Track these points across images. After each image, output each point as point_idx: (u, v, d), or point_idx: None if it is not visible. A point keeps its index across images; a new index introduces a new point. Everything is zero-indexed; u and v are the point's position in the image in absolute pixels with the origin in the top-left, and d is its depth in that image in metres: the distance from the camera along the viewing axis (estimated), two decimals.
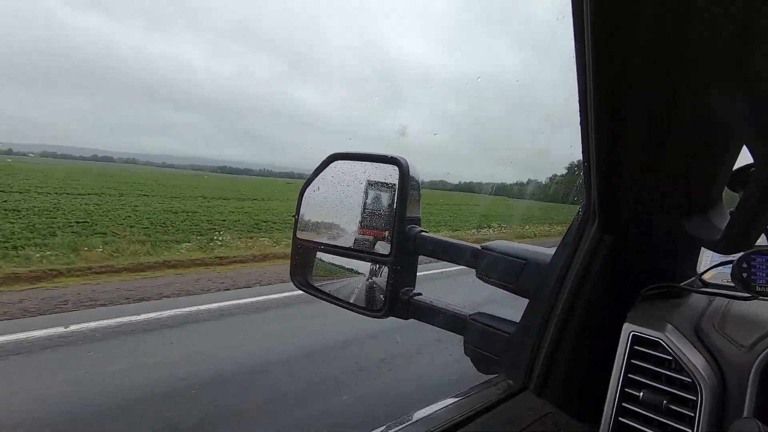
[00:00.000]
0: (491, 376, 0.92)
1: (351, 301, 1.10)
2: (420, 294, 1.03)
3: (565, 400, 0.76)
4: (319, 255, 1.12)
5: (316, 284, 1.12)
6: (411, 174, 0.97)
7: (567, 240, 0.76)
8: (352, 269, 1.11)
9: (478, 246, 0.93)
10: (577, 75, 0.53)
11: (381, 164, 1.00)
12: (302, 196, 1.07)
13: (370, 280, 1.07)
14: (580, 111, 0.56)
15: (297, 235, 1.10)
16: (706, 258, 0.89)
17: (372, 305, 1.04)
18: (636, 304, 0.73)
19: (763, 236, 0.67)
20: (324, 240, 1.08)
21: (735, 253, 0.63)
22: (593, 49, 0.46)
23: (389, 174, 0.99)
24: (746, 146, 0.44)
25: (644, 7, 0.40)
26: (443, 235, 1.01)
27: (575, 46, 0.51)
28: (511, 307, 0.92)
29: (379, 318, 1.00)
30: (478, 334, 0.90)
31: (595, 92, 0.50)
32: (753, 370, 0.56)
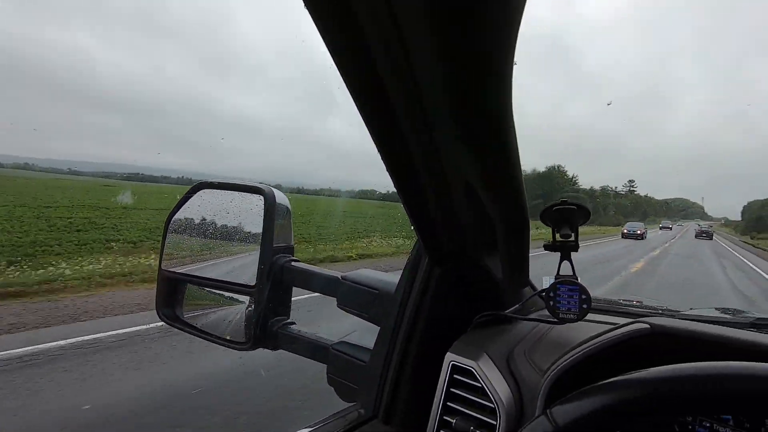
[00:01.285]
0: (351, 405, 0.93)
1: (224, 333, 1.07)
2: (293, 323, 1.02)
3: (408, 429, 0.79)
4: (191, 287, 1.08)
5: (186, 317, 1.08)
6: (278, 202, 0.97)
7: (406, 272, 0.80)
8: (231, 299, 1.09)
9: (338, 275, 0.94)
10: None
11: (247, 194, 0.99)
12: (168, 225, 1.03)
13: (249, 309, 1.05)
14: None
15: (162, 267, 1.05)
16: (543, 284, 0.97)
17: (240, 337, 1.02)
18: (467, 332, 0.78)
19: (567, 263, 0.74)
20: (191, 271, 1.05)
21: (517, 287, 0.69)
22: (361, 107, 0.49)
23: (256, 204, 0.98)
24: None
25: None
26: (313, 265, 1.01)
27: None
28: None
29: (245, 350, 0.98)
30: (339, 364, 0.91)
31: (387, 155, 0.54)
32: (540, 393, 0.61)
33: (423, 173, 0.55)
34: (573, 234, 0.72)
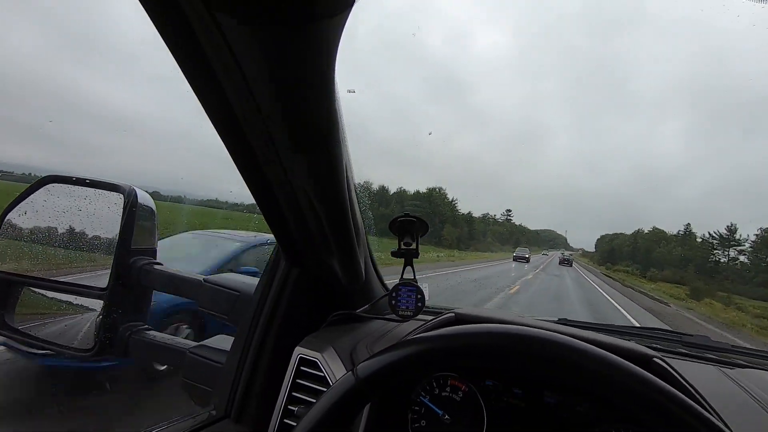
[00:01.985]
0: (204, 409, 0.92)
1: (71, 341, 0.98)
2: (149, 329, 0.98)
3: (259, 426, 0.82)
4: (28, 290, 0.98)
5: (21, 325, 0.96)
6: (141, 203, 0.95)
7: (265, 273, 0.85)
8: (79, 305, 1.00)
9: (201, 278, 0.94)
10: None
11: (105, 191, 0.94)
12: (2, 220, 0.93)
13: (101, 316, 0.98)
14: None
15: None
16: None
17: (86, 344, 0.94)
18: (320, 329, 0.85)
19: (409, 269, 0.86)
20: (29, 272, 0.95)
21: (353, 283, 0.79)
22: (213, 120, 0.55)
23: (114, 203, 0.94)
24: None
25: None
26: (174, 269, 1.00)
27: None
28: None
29: (87, 358, 0.91)
30: (195, 368, 0.90)
31: (242, 167, 0.60)
32: None
33: (276, 187, 0.62)
34: (414, 243, 0.84)
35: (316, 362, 0.73)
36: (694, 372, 0.82)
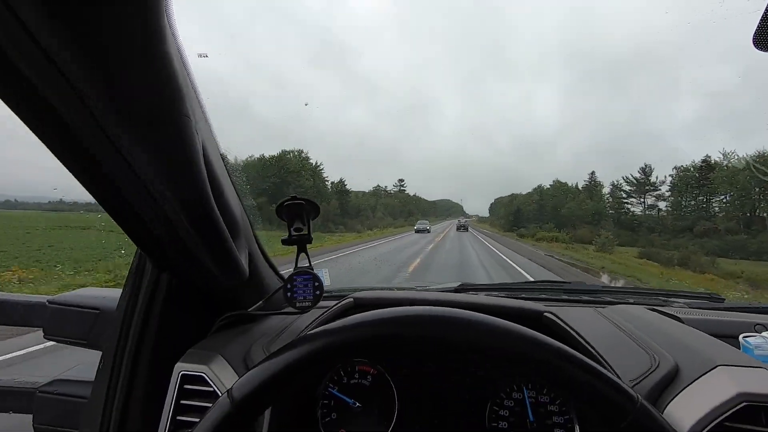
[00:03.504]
0: None
1: None
2: None
3: None
4: None
5: None
6: None
7: (128, 283, 0.71)
8: None
9: (45, 300, 0.77)
10: None
11: None
12: None
13: None
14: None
15: None
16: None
17: None
18: (207, 338, 0.75)
19: (304, 256, 0.80)
20: None
21: (235, 281, 0.71)
22: None
23: None
24: None
25: None
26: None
27: None
28: None
29: None
30: (50, 408, 0.74)
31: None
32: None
33: (119, 181, 0.50)
34: (306, 227, 0.77)
35: (202, 377, 0.64)
36: (575, 315, 0.90)
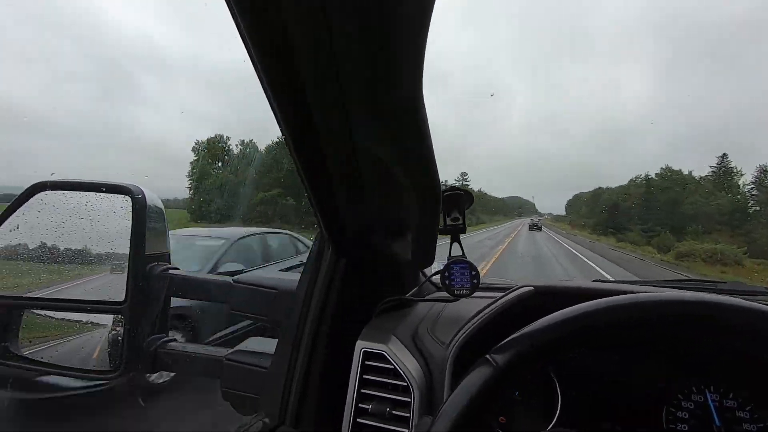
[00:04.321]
0: (251, 417, 0.86)
1: (83, 363, 0.89)
2: (173, 340, 0.90)
3: (320, 429, 0.76)
4: (30, 314, 0.87)
5: (26, 352, 0.86)
6: (149, 204, 0.85)
7: (308, 266, 0.78)
8: (90, 323, 0.90)
9: (230, 280, 0.87)
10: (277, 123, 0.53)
11: (108, 195, 0.84)
12: None
13: (113, 333, 0.89)
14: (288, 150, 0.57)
15: None
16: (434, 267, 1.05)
17: (107, 364, 0.86)
18: (373, 319, 0.79)
19: (457, 246, 0.81)
20: (31, 293, 0.85)
21: (424, 268, 0.74)
22: (270, 90, 0.46)
23: (120, 206, 0.84)
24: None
25: (299, 46, 0.42)
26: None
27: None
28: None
29: (114, 379, 0.83)
30: (235, 375, 0.83)
31: (289, 135, 0.51)
32: (447, 364, 0.65)
33: (332, 159, 0.54)
34: (461, 218, 0.79)
35: (383, 355, 0.68)
36: None
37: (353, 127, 0.48)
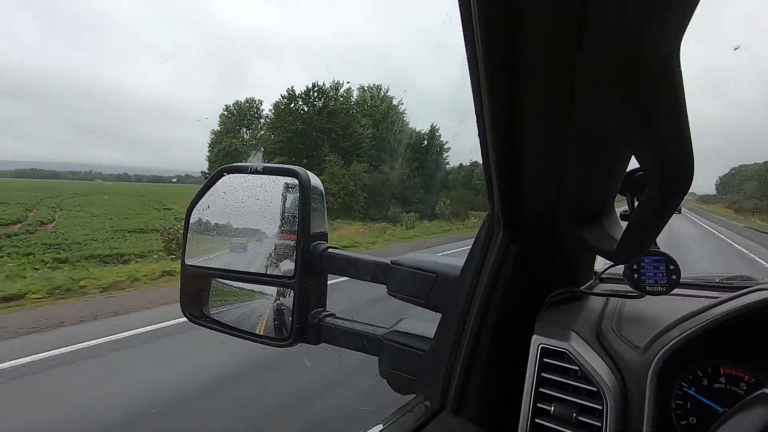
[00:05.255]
0: (410, 397, 0.87)
1: (255, 329, 0.99)
2: (332, 315, 0.95)
3: (482, 418, 0.74)
4: (216, 282, 1.00)
5: (213, 314, 0.99)
6: (313, 185, 0.89)
7: (475, 251, 0.74)
8: (258, 292, 1.00)
9: (387, 261, 0.87)
10: (471, 83, 0.49)
11: (277, 177, 0.90)
12: (189, 217, 0.94)
13: (278, 303, 0.97)
14: (477, 122, 0.52)
15: (186, 262, 0.96)
16: (603, 259, 0.93)
17: (278, 332, 0.94)
18: (542, 312, 0.73)
19: None
20: (219, 265, 0.96)
21: (629, 262, 0.63)
22: (484, 56, 0.41)
23: (288, 188, 0.90)
24: (635, 157, 0.43)
25: (533, 13, 0.36)
26: (351, 251, 0.94)
27: (466, 52, 0.46)
28: (429, 321, 0.88)
29: (285, 346, 0.90)
30: (393, 354, 0.84)
31: (490, 104, 0.46)
32: (650, 374, 0.56)
33: (534, 138, 0.48)
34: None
35: (564, 353, 0.61)
36: None
37: (578, 100, 0.41)
